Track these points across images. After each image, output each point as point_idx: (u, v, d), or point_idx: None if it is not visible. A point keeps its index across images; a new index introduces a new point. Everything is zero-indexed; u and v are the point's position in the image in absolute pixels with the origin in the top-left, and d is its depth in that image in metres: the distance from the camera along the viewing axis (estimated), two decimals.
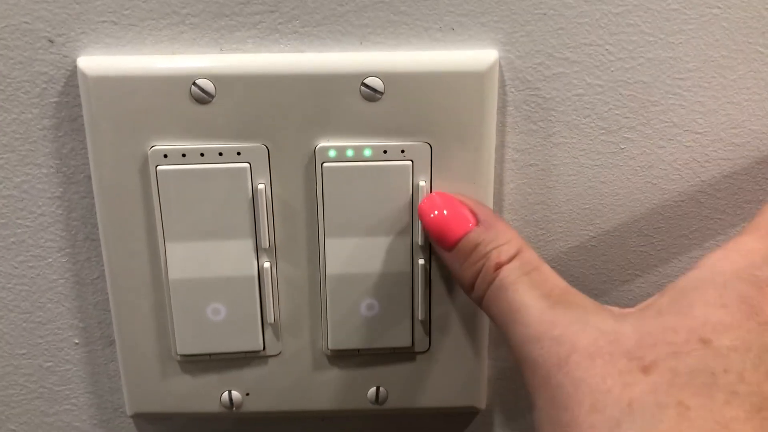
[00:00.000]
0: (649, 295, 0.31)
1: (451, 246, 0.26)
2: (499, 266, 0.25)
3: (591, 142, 0.29)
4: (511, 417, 0.34)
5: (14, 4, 0.26)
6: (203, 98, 0.27)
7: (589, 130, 0.29)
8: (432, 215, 0.27)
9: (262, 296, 0.29)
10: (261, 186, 0.28)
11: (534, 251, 0.26)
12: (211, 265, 0.29)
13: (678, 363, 0.21)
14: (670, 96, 0.28)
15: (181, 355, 0.30)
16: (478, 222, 0.26)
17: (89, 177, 0.29)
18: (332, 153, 0.28)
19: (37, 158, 0.29)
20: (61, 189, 0.29)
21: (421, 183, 0.28)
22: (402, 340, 0.30)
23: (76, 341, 0.32)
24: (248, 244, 0.29)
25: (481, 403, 0.32)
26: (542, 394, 0.22)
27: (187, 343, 0.30)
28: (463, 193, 0.28)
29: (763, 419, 0.19)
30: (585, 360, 0.21)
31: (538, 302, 0.23)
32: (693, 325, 0.21)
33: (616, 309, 0.24)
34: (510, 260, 0.25)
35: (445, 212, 0.27)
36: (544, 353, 0.22)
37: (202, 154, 0.28)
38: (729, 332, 0.21)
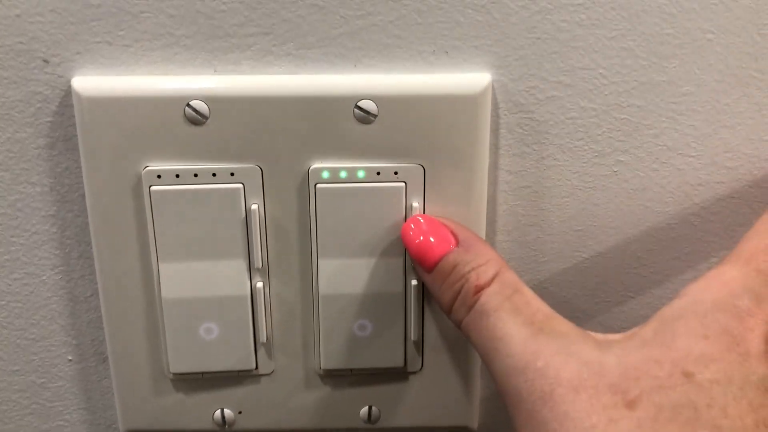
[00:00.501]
0: (642, 317, 0.31)
1: (431, 267, 0.26)
2: (479, 289, 0.25)
3: (584, 164, 0.29)
4: None
5: (9, 25, 0.26)
6: (197, 119, 0.27)
7: (582, 153, 0.29)
8: (413, 236, 0.27)
9: (255, 316, 0.29)
10: (254, 206, 0.28)
11: (513, 272, 0.25)
12: (204, 284, 0.29)
13: (662, 398, 0.21)
14: (664, 120, 0.28)
15: (174, 374, 0.30)
16: (457, 243, 0.26)
17: (83, 196, 0.29)
18: (325, 174, 0.28)
19: (32, 177, 0.29)
20: (55, 207, 0.29)
21: (414, 204, 0.28)
22: (394, 360, 0.30)
23: (70, 358, 0.32)
24: (241, 264, 0.29)
25: (473, 423, 0.32)
26: (527, 428, 0.22)
27: (180, 362, 0.30)
28: (456, 215, 0.28)
29: None
30: (569, 393, 0.21)
31: (521, 330, 0.23)
32: (676, 357, 0.21)
33: (600, 336, 0.23)
34: (490, 282, 0.25)
35: (427, 234, 0.27)
36: (528, 386, 0.22)
37: (195, 175, 0.28)
38: (711, 365, 0.21)
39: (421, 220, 0.27)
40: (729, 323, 0.22)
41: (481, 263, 0.25)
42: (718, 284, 0.23)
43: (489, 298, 0.24)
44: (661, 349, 0.22)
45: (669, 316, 0.23)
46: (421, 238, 0.27)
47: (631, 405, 0.20)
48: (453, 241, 0.26)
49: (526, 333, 0.23)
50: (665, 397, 0.20)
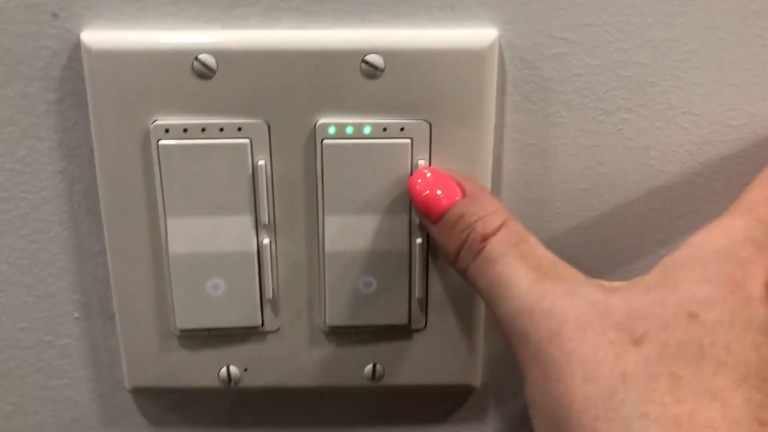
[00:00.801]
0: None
1: (437, 218, 0.27)
2: (485, 237, 0.25)
3: (589, 122, 0.29)
4: (505, 396, 0.34)
5: None
6: (205, 73, 0.27)
7: (587, 110, 0.29)
8: (419, 188, 0.27)
9: (262, 272, 0.30)
10: (261, 162, 0.28)
11: (519, 222, 0.26)
12: (211, 240, 0.29)
13: (667, 336, 0.21)
14: (668, 77, 0.28)
15: (181, 330, 0.30)
16: (464, 195, 0.27)
17: (92, 151, 0.29)
18: (332, 130, 0.28)
19: (40, 132, 0.29)
20: (63, 163, 0.29)
21: (420, 161, 0.28)
22: (399, 317, 0.31)
23: (76, 315, 0.32)
24: (248, 221, 0.29)
25: (477, 382, 0.33)
26: (534, 367, 0.22)
27: (187, 318, 0.30)
28: (462, 172, 0.28)
29: (750, 388, 0.20)
30: (576, 331, 0.22)
31: (527, 275, 0.24)
32: (680, 300, 0.22)
33: (605, 282, 0.24)
34: (496, 231, 0.25)
35: (432, 186, 0.27)
36: (534, 325, 0.22)
37: (203, 129, 0.28)
38: (714, 307, 0.21)
39: (428, 173, 0.28)
40: (731, 269, 0.22)
41: (488, 213, 0.26)
42: (720, 233, 0.24)
43: (495, 246, 0.25)
44: (666, 293, 0.22)
45: (672, 264, 0.23)
46: (428, 191, 0.27)
47: (637, 342, 0.21)
48: (459, 192, 0.27)
49: (532, 277, 0.24)
50: (671, 335, 0.21)
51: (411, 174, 0.28)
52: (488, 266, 0.25)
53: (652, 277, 0.23)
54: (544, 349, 0.22)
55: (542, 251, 0.25)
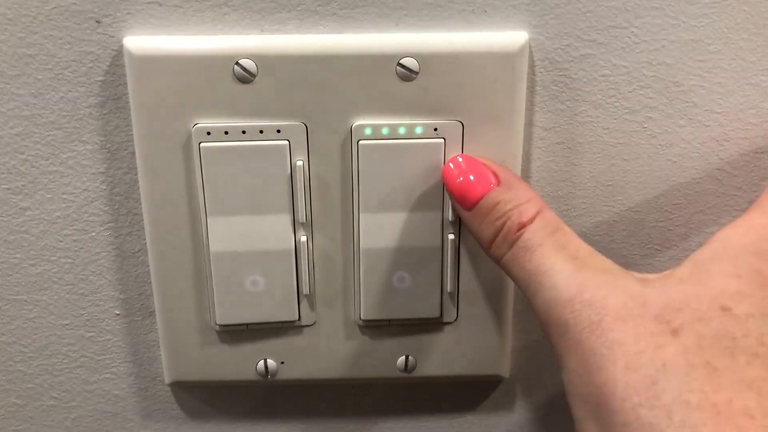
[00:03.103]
0: (668, 269, 0.32)
1: (472, 205, 0.27)
2: (522, 226, 0.25)
3: (615, 121, 0.30)
4: (533, 386, 0.35)
5: None
6: (246, 77, 0.28)
7: (613, 109, 0.30)
8: (454, 175, 0.28)
9: (299, 269, 0.31)
10: (299, 162, 0.29)
11: (553, 212, 0.26)
12: (251, 238, 0.30)
13: (703, 327, 0.22)
14: (692, 77, 0.29)
15: (220, 325, 0.31)
16: (498, 182, 0.27)
17: (132, 153, 0.30)
18: (368, 131, 0.29)
19: (83, 135, 0.30)
20: (105, 165, 0.30)
21: None
22: (431, 311, 0.32)
23: (117, 312, 0.33)
24: (286, 219, 0.30)
25: (505, 372, 0.34)
26: (574, 356, 0.23)
27: (226, 314, 0.31)
28: None
29: None
30: (617, 322, 0.22)
31: (566, 265, 0.24)
32: (712, 293, 0.23)
33: (638, 274, 0.25)
34: (532, 220, 0.25)
35: (467, 173, 0.28)
36: (575, 316, 0.23)
37: (243, 132, 0.29)
38: (745, 300, 0.22)
39: (461, 160, 0.28)
40: (760, 264, 0.23)
41: (523, 201, 0.26)
42: (747, 229, 0.24)
43: (532, 234, 0.25)
44: (699, 287, 0.23)
45: (702, 259, 0.24)
46: (461, 178, 0.28)
47: (675, 333, 0.22)
48: (494, 180, 0.27)
49: (570, 267, 0.24)
50: (706, 327, 0.22)
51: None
52: (525, 255, 0.25)
53: (684, 271, 0.24)
54: (585, 339, 0.23)
55: (578, 241, 0.25)
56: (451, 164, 0.28)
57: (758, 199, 0.26)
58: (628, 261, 0.32)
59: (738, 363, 0.21)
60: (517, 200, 0.26)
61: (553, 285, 0.24)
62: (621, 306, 0.23)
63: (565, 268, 0.24)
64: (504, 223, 0.26)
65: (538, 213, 0.26)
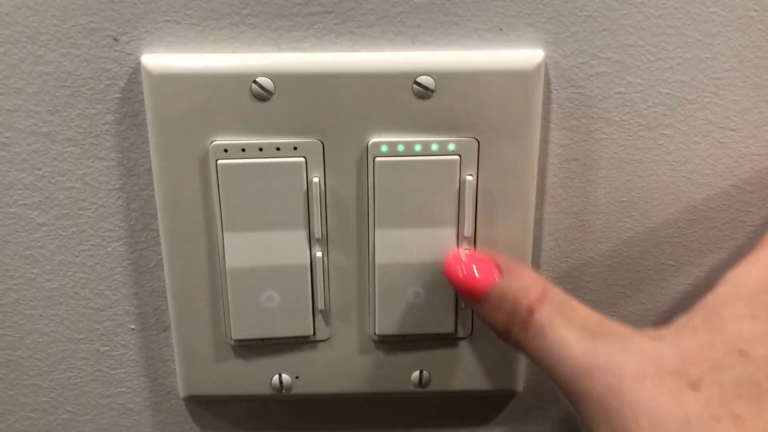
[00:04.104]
0: (681, 284, 0.32)
1: (482, 299, 0.28)
2: (531, 310, 0.26)
3: (630, 138, 0.30)
4: (546, 400, 0.35)
5: (81, 5, 0.27)
6: (263, 95, 0.28)
7: (628, 126, 0.30)
8: (456, 270, 0.29)
9: (314, 284, 0.31)
10: (315, 179, 0.29)
11: (558, 287, 0.27)
12: (267, 254, 0.30)
13: (722, 376, 0.22)
14: (707, 95, 0.29)
15: (236, 340, 0.31)
16: (500, 271, 0.28)
17: (149, 170, 0.30)
18: (384, 148, 0.29)
19: (100, 152, 0.30)
20: (121, 181, 0.30)
21: (468, 177, 0.29)
22: (446, 326, 0.32)
23: (132, 327, 0.33)
24: (302, 235, 0.30)
25: (519, 387, 0.34)
26: (600, 423, 0.23)
27: (242, 329, 0.31)
28: (508, 186, 0.30)
29: None
30: (636, 384, 0.22)
31: (579, 337, 0.25)
32: (728, 339, 0.23)
33: (651, 331, 0.25)
34: (541, 303, 0.26)
35: (469, 268, 0.28)
36: (594, 383, 0.23)
37: (260, 149, 0.29)
38: (763, 341, 0.22)
39: (461, 257, 0.29)
40: None
41: (528, 284, 0.27)
42: (758, 268, 0.25)
43: (542, 316, 0.26)
44: (713, 334, 0.23)
45: (713, 303, 0.24)
46: (465, 272, 0.28)
47: (694, 386, 0.22)
48: (496, 270, 0.28)
49: (583, 339, 0.24)
50: (725, 375, 0.22)
51: (459, 189, 0.29)
52: (539, 336, 0.25)
53: (696, 320, 0.24)
54: (608, 404, 0.23)
55: (586, 312, 0.26)
56: (453, 262, 0.29)
57: (765, 235, 0.26)
58: (642, 277, 0.32)
59: (764, 409, 0.21)
60: (523, 284, 0.27)
61: (569, 356, 0.24)
62: (637, 367, 0.23)
63: (579, 340, 0.24)
64: (515, 310, 0.27)
65: (544, 292, 0.26)
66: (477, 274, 0.28)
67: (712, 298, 0.24)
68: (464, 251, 0.30)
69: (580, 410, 0.24)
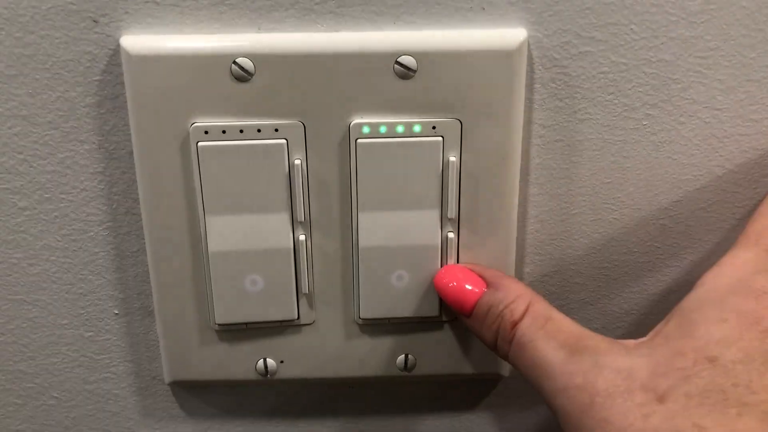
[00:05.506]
0: (667, 267, 0.32)
1: (469, 312, 0.28)
2: (514, 324, 0.27)
3: (614, 118, 0.30)
4: None
5: None
6: (243, 76, 0.28)
7: (612, 107, 0.30)
8: (447, 286, 0.29)
9: (298, 268, 0.31)
10: (297, 161, 0.29)
11: (543, 301, 0.27)
12: (249, 237, 0.30)
13: (689, 386, 0.22)
14: (691, 74, 0.29)
15: (219, 325, 0.31)
16: (487, 285, 0.28)
17: (130, 153, 0.30)
18: (366, 129, 0.29)
19: (80, 135, 0.30)
20: (102, 165, 0.30)
21: (452, 158, 0.29)
22: (430, 309, 0.32)
23: (116, 312, 0.33)
24: (284, 218, 0.30)
25: (505, 370, 0.34)
26: None
27: (225, 313, 0.31)
28: (491, 167, 0.29)
29: None
30: (606, 401, 0.23)
31: (557, 355, 0.25)
32: (698, 345, 0.23)
33: (629, 342, 0.25)
34: (522, 317, 0.27)
35: (456, 282, 0.29)
36: (570, 402, 0.24)
37: (241, 131, 0.29)
38: (732, 346, 0.22)
39: (451, 271, 0.30)
40: (745, 304, 0.23)
41: (512, 299, 0.27)
42: (731, 269, 0.25)
43: (524, 331, 0.26)
44: (683, 341, 0.23)
45: (687, 308, 0.24)
46: (454, 283, 0.29)
47: (661, 399, 0.22)
48: (482, 283, 0.29)
49: (561, 356, 0.25)
50: (692, 385, 0.22)
51: (442, 170, 0.29)
52: (521, 351, 0.26)
53: (670, 327, 0.24)
54: (582, 421, 0.23)
55: (568, 326, 0.26)
56: (440, 276, 0.30)
57: (742, 233, 0.26)
58: (628, 259, 0.32)
59: (728, 417, 0.21)
60: (507, 299, 0.27)
61: (549, 376, 0.25)
62: (609, 384, 0.23)
63: (557, 359, 0.25)
64: (499, 325, 0.27)
65: (527, 309, 0.27)
66: (465, 288, 0.29)
67: (686, 303, 0.25)
68: (453, 265, 0.30)
69: (562, 427, 0.25)
